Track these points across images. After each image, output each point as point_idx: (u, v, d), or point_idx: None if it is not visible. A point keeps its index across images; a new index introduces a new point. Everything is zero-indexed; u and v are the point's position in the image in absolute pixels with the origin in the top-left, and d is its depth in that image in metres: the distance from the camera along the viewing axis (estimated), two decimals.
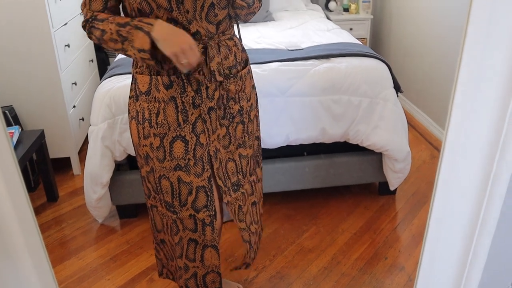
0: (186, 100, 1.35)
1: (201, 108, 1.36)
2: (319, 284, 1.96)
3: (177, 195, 1.42)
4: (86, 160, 2.20)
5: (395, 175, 2.35)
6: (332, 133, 2.25)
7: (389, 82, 2.27)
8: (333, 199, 2.55)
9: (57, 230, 2.39)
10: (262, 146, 2.23)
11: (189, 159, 1.38)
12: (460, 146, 0.79)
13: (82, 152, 2.92)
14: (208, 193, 1.41)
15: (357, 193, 2.60)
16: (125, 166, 2.38)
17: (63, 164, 2.94)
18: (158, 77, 1.34)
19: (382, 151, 2.29)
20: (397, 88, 2.34)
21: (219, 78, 1.36)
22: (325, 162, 2.37)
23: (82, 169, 2.74)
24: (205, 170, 1.40)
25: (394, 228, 2.31)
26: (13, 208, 0.82)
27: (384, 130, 2.23)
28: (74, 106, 2.87)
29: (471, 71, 0.74)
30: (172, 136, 1.37)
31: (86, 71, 3.22)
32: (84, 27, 1.32)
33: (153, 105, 1.35)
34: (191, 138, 1.37)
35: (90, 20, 1.30)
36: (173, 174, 1.40)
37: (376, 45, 4.17)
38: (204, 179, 1.40)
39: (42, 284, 0.92)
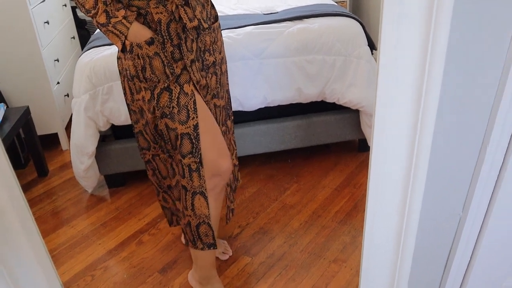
0: (167, 55, 1.42)
1: (184, 60, 1.43)
2: (300, 237, 2.06)
3: (169, 140, 1.52)
4: (71, 131, 2.27)
5: None
6: (308, 93, 2.31)
7: (362, 40, 2.31)
8: (314, 158, 2.62)
9: (48, 203, 2.47)
10: (241, 108, 2.29)
11: (173, 107, 1.45)
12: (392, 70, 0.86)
13: (69, 127, 2.97)
14: (194, 140, 1.46)
15: (337, 151, 2.68)
16: (111, 137, 2.44)
17: (52, 140, 3.00)
18: None
19: (358, 108, 2.35)
20: (372, 45, 2.38)
21: (205, 25, 1.46)
22: (304, 122, 2.44)
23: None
24: (191, 118, 1.45)
25: None
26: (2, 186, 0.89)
27: (359, 87, 2.29)
28: (58, 83, 2.91)
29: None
30: (160, 88, 1.44)
31: (68, 48, 3.25)
32: None
33: (137, 61, 1.42)
34: (175, 87, 1.44)
35: None
36: (162, 122, 1.49)
37: (356, 8, 4.18)
38: (189, 126, 1.45)
39: (36, 254, 1.00)
